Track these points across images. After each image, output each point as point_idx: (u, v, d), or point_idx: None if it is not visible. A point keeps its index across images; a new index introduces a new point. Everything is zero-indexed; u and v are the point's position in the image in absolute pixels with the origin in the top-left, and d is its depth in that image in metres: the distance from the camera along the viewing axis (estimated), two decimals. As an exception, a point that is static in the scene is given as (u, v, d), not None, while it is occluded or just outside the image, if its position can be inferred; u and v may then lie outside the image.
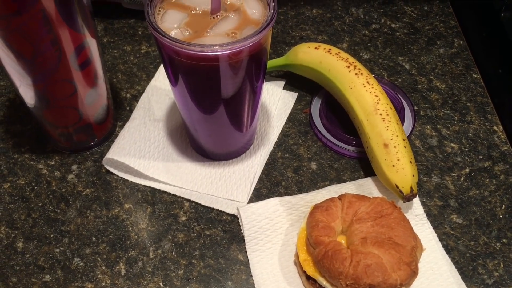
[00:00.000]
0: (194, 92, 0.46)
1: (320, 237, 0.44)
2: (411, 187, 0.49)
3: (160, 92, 0.61)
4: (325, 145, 0.57)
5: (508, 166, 0.56)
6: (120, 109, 0.61)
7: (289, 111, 0.61)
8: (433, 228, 0.50)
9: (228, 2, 0.46)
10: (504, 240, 0.50)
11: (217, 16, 0.44)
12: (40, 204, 0.52)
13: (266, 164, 0.56)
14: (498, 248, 0.49)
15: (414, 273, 0.43)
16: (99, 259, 0.49)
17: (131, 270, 0.48)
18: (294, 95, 0.62)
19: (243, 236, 0.50)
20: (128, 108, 0.61)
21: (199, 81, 0.44)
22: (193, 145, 0.56)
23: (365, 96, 0.53)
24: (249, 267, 0.48)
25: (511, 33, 0.70)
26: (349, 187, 0.53)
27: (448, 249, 0.49)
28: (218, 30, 0.44)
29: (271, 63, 0.62)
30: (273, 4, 0.43)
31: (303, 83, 0.63)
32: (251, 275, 0.47)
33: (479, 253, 0.49)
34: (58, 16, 0.42)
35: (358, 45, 0.68)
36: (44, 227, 0.51)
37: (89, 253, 0.49)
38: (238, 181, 0.54)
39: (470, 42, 0.69)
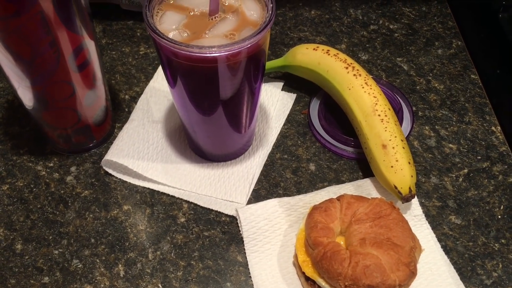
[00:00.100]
0: (192, 94, 0.46)
1: (319, 238, 0.44)
2: (409, 188, 0.49)
3: (158, 93, 0.61)
4: (324, 146, 0.57)
5: (506, 166, 0.56)
6: (118, 111, 0.61)
7: (287, 112, 0.61)
8: (432, 229, 0.50)
9: (227, 4, 0.46)
10: (503, 241, 0.50)
11: (215, 18, 0.44)
12: (38, 206, 0.52)
13: (265, 165, 0.56)
14: (496, 249, 0.49)
15: (412, 273, 0.43)
16: (98, 260, 0.49)
17: (130, 272, 0.48)
18: (293, 96, 0.62)
19: (242, 237, 0.50)
20: (126, 110, 0.61)
21: (198, 82, 0.45)
22: (191, 147, 0.56)
23: (364, 97, 0.53)
24: (248, 268, 0.48)
25: (509, 33, 0.70)
26: (348, 188, 0.53)
27: (447, 250, 0.49)
28: (217, 31, 0.44)
29: (270, 64, 0.62)
30: (271, 5, 0.43)
31: (301, 84, 0.63)
32: (250, 276, 0.47)
33: (477, 253, 0.49)
34: (57, 18, 0.42)
35: (356, 46, 0.68)
36: (43, 229, 0.51)
37: (88, 254, 0.49)
38: (237, 182, 0.54)
39: (468, 43, 0.69)
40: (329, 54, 0.57)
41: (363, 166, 0.55)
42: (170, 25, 0.44)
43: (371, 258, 0.42)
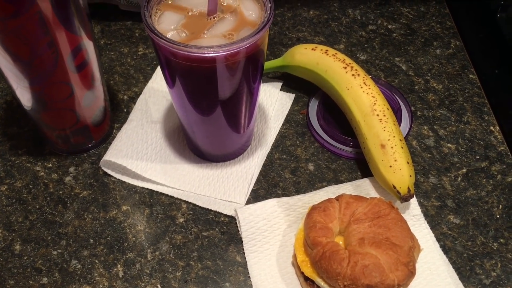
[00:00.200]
0: (191, 94, 0.46)
1: (318, 238, 0.44)
2: (408, 188, 0.49)
3: (157, 93, 0.61)
4: (323, 146, 0.57)
5: (505, 166, 0.56)
6: (117, 111, 0.61)
7: (286, 112, 0.61)
8: (431, 229, 0.50)
9: (225, 4, 0.46)
10: (501, 240, 0.50)
11: (214, 18, 0.45)
12: (37, 207, 0.52)
13: (264, 165, 0.56)
14: (495, 248, 0.50)
15: (411, 273, 0.43)
16: (96, 261, 0.49)
17: (128, 272, 0.48)
18: (291, 96, 0.62)
19: (241, 238, 0.50)
20: (125, 110, 0.61)
21: (196, 82, 0.45)
22: (190, 147, 0.56)
23: (362, 97, 0.53)
24: (247, 269, 0.48)
25: (507, 33, 0.70)
26: (347, 188, 0.53)
27: (446, 249, 0.49)
28: (215, 31, 0.44)
29: (268, 64, 0.62)
30: (269, 5, 0.44)
31: (300, 84, 0.63)
32: (249, 277, 0.47)
33: (476, 253, 0.49)
34: (55, 18, 0.42)
35: (355, 46, 0.68)
36: (42, 230, 0.51)
37: (87, 255, 0.49)
38: (236, 183, 0.54)
39: (466, 43, 0.69)
40: (327, 54, 0.57)
41: (362, 166, 0.55)
42: (168, 25, 0.44)
43: (370, 258, 0.42)
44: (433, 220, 0.51)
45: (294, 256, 0.47)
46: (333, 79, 0.56)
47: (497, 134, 0.59)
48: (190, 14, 0.45)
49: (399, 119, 0.57)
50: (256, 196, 0.53)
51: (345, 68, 0.56)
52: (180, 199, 0.53)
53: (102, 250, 0.49)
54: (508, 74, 0.68)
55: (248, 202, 0.53)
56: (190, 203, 0.53)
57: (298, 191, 0.54)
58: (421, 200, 0.53)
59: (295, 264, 0.47)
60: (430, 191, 0.54)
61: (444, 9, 0.73)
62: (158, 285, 0.47)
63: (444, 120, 0.60)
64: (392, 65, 0.66)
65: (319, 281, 0.44)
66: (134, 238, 0.50)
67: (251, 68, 0.45)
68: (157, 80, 0.63)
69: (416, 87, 0.64)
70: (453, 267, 0.48)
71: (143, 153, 0.55)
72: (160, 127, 0.58)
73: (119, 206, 0.52)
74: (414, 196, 0.51)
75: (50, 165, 0.56)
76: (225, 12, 0.45)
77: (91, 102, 0.53)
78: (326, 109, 0.60)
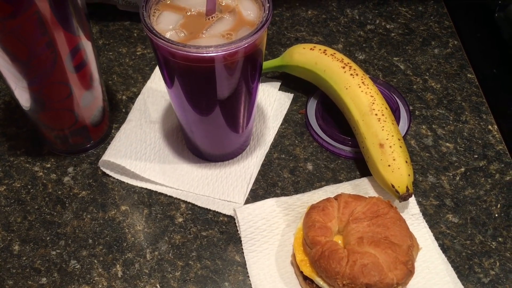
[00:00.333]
0: (189, 94, 0.46)
1: (317, 237, 0.44)
2: (407, 187, 0.49)
3: (156, 94, 0.61)
4: (321, 145, 0.57)
5: (503, 165, 0.56)
6: (116, 111, 0.61)
7: (285, 112, 0.61)
8: (429, 227, 0.51)
9: (223, 3, 0.46)
10: (500, 239, 0.50)
11: (212, 18, 0.45)
12: (36, 207, 0.52)
13: (262, 165, 0.56)
14: (494, 247, 0.50)
15: (410, 272, 0.43)
16: (95, 261, 0.49)
17: (128, 272, 0.48)
18: (290, 96, 0.62)
19: (240, 237, 0.50)
20: (124, 110, 0.61)
21: (195, 82, 0.45)
22: (189, 147, 0.56)
23: (361, 96, 0.54)
24: (246, 268, 0.48)
25: (505, 32, 0.70)
26: (345, 187, 0.53)
27: (444, 248, 0.49)
28: (214, 31, 0.44)
29: (267, 64, 0.62)
30: (268, 5, 0.44)
31: (298, 84, 0.63)
32: (248, 276, 0.48)
33: (475, 252, 0.49)
34: (53, 18, 0.42)
35: (353, 46, 0.68)
36: (40, 230, 0.51)
37: (86, 255, 0.49)
38: (235, 182, 0.54)
39: (464, 42, 0.69)
40: (326, 54, 0.57)
41: (361, 165, 0.56)
42: (167, 25, 0.44)
43: (369, 257, 0.42)
44: (432, 219, 0.52)
45: (293, 256, 0.47)
46: (331, 78, 0.56)
47: (495, 133, 0.59)
48: (188, 14, 0.45)
49: (397, 119, 0.57)
50: (255, 195, 0.53)
51: (344, 67, 0.56)
52: (179, 199, 0.53)
53: (101, 250, 0.49)
54: (506, 73, 0.68)
55: (247, 201, 0.53)
56: (189, 203, 0.53)
57: (297, 191, 0.54)
58: (420, 199, 0.53)
59: (294, 264, 0.47)
60: (429, 190, 0.54)
61: (442, 8, 0.74)
62: (157, 285, 0.47)
63: (443, 120, 0.60)
64: (390, 65, 0.66)
65: (318, 280, 0.44)
66: (133, 238, 0.50)
67: (250, 68, 0.45)
68: (156, 80, 0.63)
69: (415, 86, 0.64)
70: (452, 266, 0.48)
71: (141, 153, 0.55)
72: (159, 127, 0.58)
73: (118, 206, 0.52)
74: (413, 195, 0.52)
75: (48, 165, 0.56)
76: (224, 12, 0.45)
77: (89, 102, 0.53)
78: (325, 109, 0.60)
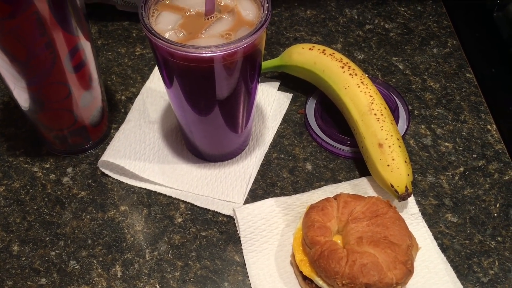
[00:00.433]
0: (189, 94, 0.46)
1: (316, 237, 0.44)
2: (406, 186, 0.49)
3: (155, 94, 0.61)
4: (320, 145, 0.57)
5: (502, 164, 0.56)
6: (115, 112, 0.61)
7: (284, 112, 0.61)
8: (428, 227, 0.51)
9: (222, 4, 0.46)
10: (499, 238, 0.50)
11: (211, 18, 0.45)
12: (35, 207, 0.52)
13: (262, 165, 0.56)
14: (493, 246, 0.50)
15: (409, 272, 0.43)
16: (95, 261, 0.49)
17: (127, 272, 0.48)
18: (289, 96, 0.62)
19: (239, 237, 0.50)
20: (123, 110, 0.61)
21: (194, 82, 0.45)
22: (188, 147, 0.56)
23: (360, 96, 0.54)
24: (246, 268, 0.48)
25: (504, 32, 0.70)
26: (345, 187, 0.53)
27: (444, 248, 0.49)
28: (213, 31, 0.44)
29: (266, 64, 0.62)
30: (267, 5, 0.44)
31: (297, 84, 0.63)
32: (248, 276, 0.48)
33: (474, 251, 0.49)
34: (52, 19, 0.42)
35: (352, 46, 0.69)
36: (40, 230, 0.51)
37: (85, 255, 0.49)
38: (234, 182, 0.54)
39: (463, 42, 0.69)
40: (325, 54, 0.58)
41: (360, 165, 0.56)
42: (166, 25, 0.44)
43: (368, 257, 0.42)
44: (431, 218, 0.52)
45: (293, 256, 0.47)
46: (330, 78, 0.56)
47: (494, 132, 0.59)
48: (187, 14, 0.45)
49: (396, 118, 0.57)
50: (254, 195, 0.53)
51: (343, 67, 0.56)
52: (178, 199, 0.53)
53: (101, 251, 0.49)
54: (505, 73, 0.68)
55: (246, 201, 0.53)
56: (188, 203, 0.53)
57: (296, 191, 0.54)
58: (419, 199, 0.53)
59: (294, 263, 0.47)
60: (428, 189, 0.54)
61: (440, 8, 0.74)
62: (157, 285, 0.47)
63: (441, 119, 0.60)
64: (389, 65, 0.66)
65: (318, 280, 0.44)
66: (132, 238, 0.50)
67: (249, 68, 0.45)
68: (155, 80, 0.63)
69: (413, 86, 0.64)
70: (451, 266, 0.48)
71: (141, 153, 0.55)
72: (158, 127, 0.58)
73: (117, 207, 0.52)
74: (412, 195, 0.52)
75: (47, 165, 0.56)
76: (223, 12, 0.45)
77: (88, 102, 0.53)
78: (324, 109, 0.60)
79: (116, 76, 0.65)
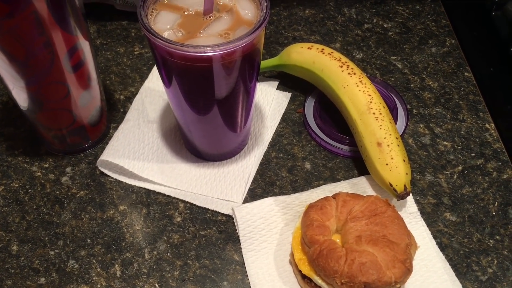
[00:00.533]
0: (187, 93, 0.46)
1: (315, 236, 0.44)
2: (404, 185, 0.50)
3: (153, 93, 0.61)
4: (319, 144, 0.58)
5: (500, 163, 0.56)
6: (113, 111, 0.61)
7: (283, 111, 0.61)
8: (427, 226, 0.51)
9: (221, 3, 0.46)
10: (497, 237, 0.50)
11: (210, 17, 0.45)
12: (34, 207, 0.52)
13: (261, 164, 0.56)
14: (491, 245, 0.50)
15: (408, 270, 0.43)
16: (94, 261, 0.49)
17: (126, 272, 0.48)
18: (288, 95, 0.62)
19: (238, 236, 0.50)
20: (121, 110, 0.61)
21: (193, 82, 0.45)
22: (187, 146, 0.56)
23: (358, 95, 0.54)
24: (245, 267, 0.48)
25: (503, 31, 0.71)
26: (343, 186, 0.53)
27: (442, 247, 0.50)
28: (211, 30, 0.44)
29: (265, 63, 0.62)
30: (265, 4, 0.44)
31: (296, 83, 0.63)
32: (247, 275, 0.48)
33: (472, 250, 0.49)
34: (51, 18, 0.42)
35: (350, 45, 0.69)
36: (39, 230, 0.51)
37: (84, 255, 0.49)
38: (233, 182, 0.54)
39: (461, 41, 0.69)
40: (323, 53, 0.58)
41: (358, 164, 0.56)
42: (164, 24, 0.44)
43: (367, 256, 0.42)
44: (430, 217, 0.52)
45: (292, 255, 0.47)
46: (329, 77, 0.56)
47: (493, 131, 0.59)
48: (186, 13, 0.45)
49: (395, 117, 0.57)
50: (253, 195, 0.53)
51: (341, 66, 0.56)
52: (177, 199, 0.53)
53: (100, 250, 0.49)
54: (503, 72, 0.68)
55: (245, 201, 0.53)
56: (187, 202, 0.53)
57: (295, 190, 0.54)
58: (418, 198, 0.53)
59: (293, 263, 0.47)
60: (427, 188, 0.54)
61: (439, 7, 0.74)
62: (156, 285, 0.47)
63: (440, 118, 0.60)
64: (388, 64, 0.66)
65: (317, 279, 0.44)
66: (131, 238, 0.50)
67: (248, 67, 0.45)
68: (154, 80, 0.63)
69: (412, 85, 0.64)
70: (450, 264, 0.48)
71: (140, 153, 0.55)
72: (157, 127, 0.58)
73: (116, 206, 0.52)
74: (411, 194, 0.52)
75: (46, 165, 0.56)
76: (221, 11, 0.45)
77: (87, 102, 0.53)
78: (323, 108, 0.60)
79: (115, 75, 0.65)
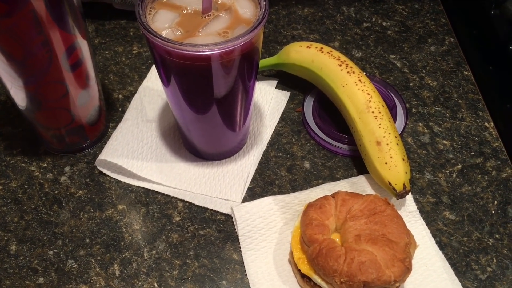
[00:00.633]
0: (186, 92, 0.46)
1: (314, 235, 0.44)
2: (403, 184, 0.49)
3: (152, 92, 0.61)
4: (318, 143, 0.57)
5: (499, 162, 0.56)
6: (112, 110, 0.61)
7: (282, 110, 0.61)
8: (426, 225, 0.51)
9: (220, 2, 0.46)
10: (497, 236, 0.50)
11: (208, 16, 0.44)
12: (33, 207, 0.52)
13: (260, 163, 0.56)
14: (490, 244, 0.50)
15: (408, 269, 0.43)
16: (93, 260, 0.48)
17: (125, 271, 0.48)
18: (287, 94, 0.62)
19: (237, 236, 0.50)
20: (120, 109, 0.61)
21: (191, 81, 0.44)
22: (186, 145, 0.56)
23: (357, 94, 0.54)
24: (244, 266, 0.48)
25: (501, 30, 0.71)
26: (343, 185, 0.53)
27: (441, 245, 0.50)
28: (210, 29, 0.44)
29: (263, 62, 0.62)
30: (264, 3, 0.43)
31: (295, 82, 0.63)
32: (246, 274, 0.48)
33: (472, 248, 0.49)
34: (49, 17, 0.42)
35: (349, 44, 0.68)
36: (37, 230, 0.51)
37: (83, 254, 0.49)
38: (232, 181, 0.54)
39: (460, 40, 0.69)
40: (322, 52, 0.57)
41: (358, 163, 0.56)
42: (163, 23, 0.44)
43: (366, 255, 0.42)
44: (429, 216, 0.52)
45: (291, 254, 0.47)
46: (328, 76, 0.56)
47: (492, 130, 0.59)
48: (184, 12, 0.45)
49: (394, 116, 0.57)
50: (252, 194, 0.53)
51: (340, 65, 0.56)
52: (176, 198, 0.53)
53: (99, 250, 0.49)
54: (502, 70, 0.68)
55: (244, 200, 0.53)
56: (186, 201, 0.53)
57: (294, 189, 0.54)
58: (417, 197, 0.53)
59: (292, 262, 0.47)
60: (426, 187, 0.54)
61: (438, 6, 0.74)
62: (155, 284, 0.47)
63: (439, 117, 0.60)
64: (387, 62, 0.66)
65: (316, 278, 0.44)
66: (130, 237, 0.50)
67: (246, 66, 0.45)
68: (152, 79, 0.62)
69: (411, 84, 0.64)
70: (449, 263, 0.48)
71: (138, 152, 0.55)
72: (156, 126, 0.58)
73: (115, 206, 0.52)
74: (410, 193, 0.52)
75: (45, 164, 0.55)
76: (220, 10, 0.45)
77: (86, 101, 0.52)
78: (322, 107, 0.60)
79: (114, 74, 0.64)
